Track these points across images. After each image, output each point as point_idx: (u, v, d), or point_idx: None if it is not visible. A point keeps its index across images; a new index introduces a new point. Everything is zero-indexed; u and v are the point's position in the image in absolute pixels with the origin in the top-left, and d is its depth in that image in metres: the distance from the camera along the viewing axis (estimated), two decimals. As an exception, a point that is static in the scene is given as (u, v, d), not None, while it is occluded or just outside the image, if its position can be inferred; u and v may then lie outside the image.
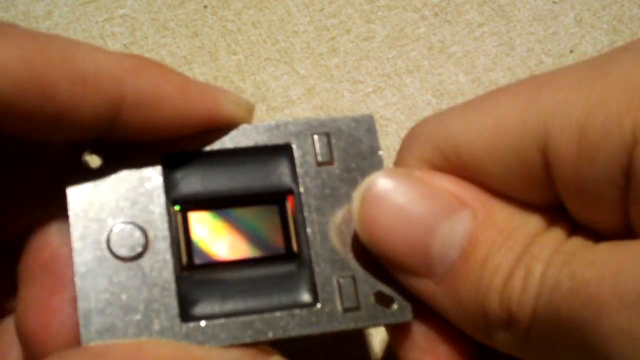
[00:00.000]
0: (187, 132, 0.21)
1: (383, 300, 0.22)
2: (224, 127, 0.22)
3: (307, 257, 0.22)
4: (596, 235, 0.20)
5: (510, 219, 0.20)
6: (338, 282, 0.22)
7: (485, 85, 0.34)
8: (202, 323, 0.21)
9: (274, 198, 0.23)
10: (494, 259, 0.20)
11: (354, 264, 0.22)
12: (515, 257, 0.19)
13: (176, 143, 0.22)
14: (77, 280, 0.20)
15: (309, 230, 0.22)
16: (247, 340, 0.21)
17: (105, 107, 0.19)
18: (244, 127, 0.22)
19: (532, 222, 0.20)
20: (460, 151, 0.21)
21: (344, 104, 0.33)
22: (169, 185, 0.22)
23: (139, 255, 0.21)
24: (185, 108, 0.21)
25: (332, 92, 0.33)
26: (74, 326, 0.20)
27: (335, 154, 0.23)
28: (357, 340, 0.28)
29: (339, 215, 0.22)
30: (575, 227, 0.20)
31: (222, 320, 0.21)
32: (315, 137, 0.23)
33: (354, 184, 0.23)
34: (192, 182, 0.22)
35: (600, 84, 0.18)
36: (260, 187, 0.23)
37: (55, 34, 0.19)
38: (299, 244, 0.22)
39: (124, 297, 0.20)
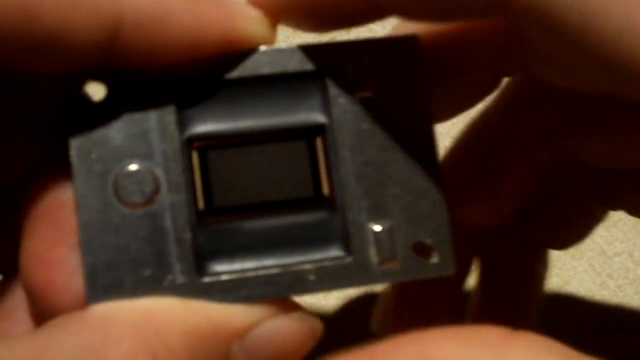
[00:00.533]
0: (199, 58, 0.18)
1: (422, 251, 0.19)
2: (243, 50, 0.19)
3: (340, 201, 0.19)
4: None
5: None
6: (373, 230, 0.19)
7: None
8: (221, 277, 0.18)
9: (303, 133, 0.20)
10: None
11: (392, 209, 0.19)
12: None
13: (188, 71, 0.19)
14: (81, 231, 0.18)
15: (342, 170, 0.19)
16: (271, 297, 0.19)
17: (101, 28, 0.17)
18: (267, 50, 0.19)
19: None
20: None
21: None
22: (183, 121, 0.19)
23: (150, 201, 0.18)
24: (194, 26, 0.18)
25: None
26: (81, 280, 0.18)
27: (374, 82, 0.20)
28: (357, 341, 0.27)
29: (375, 154, 0.20)
30: None
31: (244, 275, 0.19)
32: (351, 63, 0.19)
33: (396, 117, 0.20)
34: (209, 116, 0.19)
35: None
36: (287, 120, 0.20)
37: None
38: (330, 187, 0.20)
39: (133, 249, 0.18)
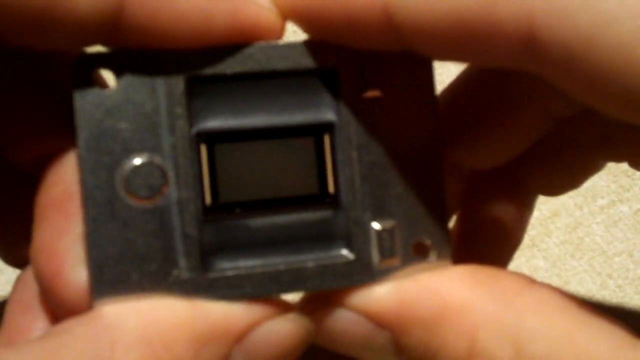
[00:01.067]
0: (209, 43, 0.18)
1: (421, 251, 0.20)
2: (253, 39, 0.19)
3: (344, 200, 0.19)
4: None
5: None
6: (376, 229, 0.19)
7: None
8: (226, 273, 0.19)
9: (311, 130, 0.20)
10: None
11: (394, 209, 0.20)
12: None
13: (200, 65, 0.19)
14: (88, 224, 0.18)
15: (348, 169, 0.19)
16: (274, 294, 0.19)
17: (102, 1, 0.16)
18: (279, 45, 0.19)
19: None
20: None
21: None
22: (192, 114, 0.19)
23: (157, 195, 0.18)
24: (202, 1, 0.18)
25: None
26: (85, 272, 0.18)
27: (384, 84, 0.20)
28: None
29: (380, 154, 0.20)
30: None
31: (248, 271, 0.19)
32: (361, 62, 0.19)
33: (402, 118, 0.20)
34: (218, 110, 0.19)
35: None
36: (296, 117, 0.20)
37: None
38: (335, 185, 0.20)
39: (139, 243, 0.18)
